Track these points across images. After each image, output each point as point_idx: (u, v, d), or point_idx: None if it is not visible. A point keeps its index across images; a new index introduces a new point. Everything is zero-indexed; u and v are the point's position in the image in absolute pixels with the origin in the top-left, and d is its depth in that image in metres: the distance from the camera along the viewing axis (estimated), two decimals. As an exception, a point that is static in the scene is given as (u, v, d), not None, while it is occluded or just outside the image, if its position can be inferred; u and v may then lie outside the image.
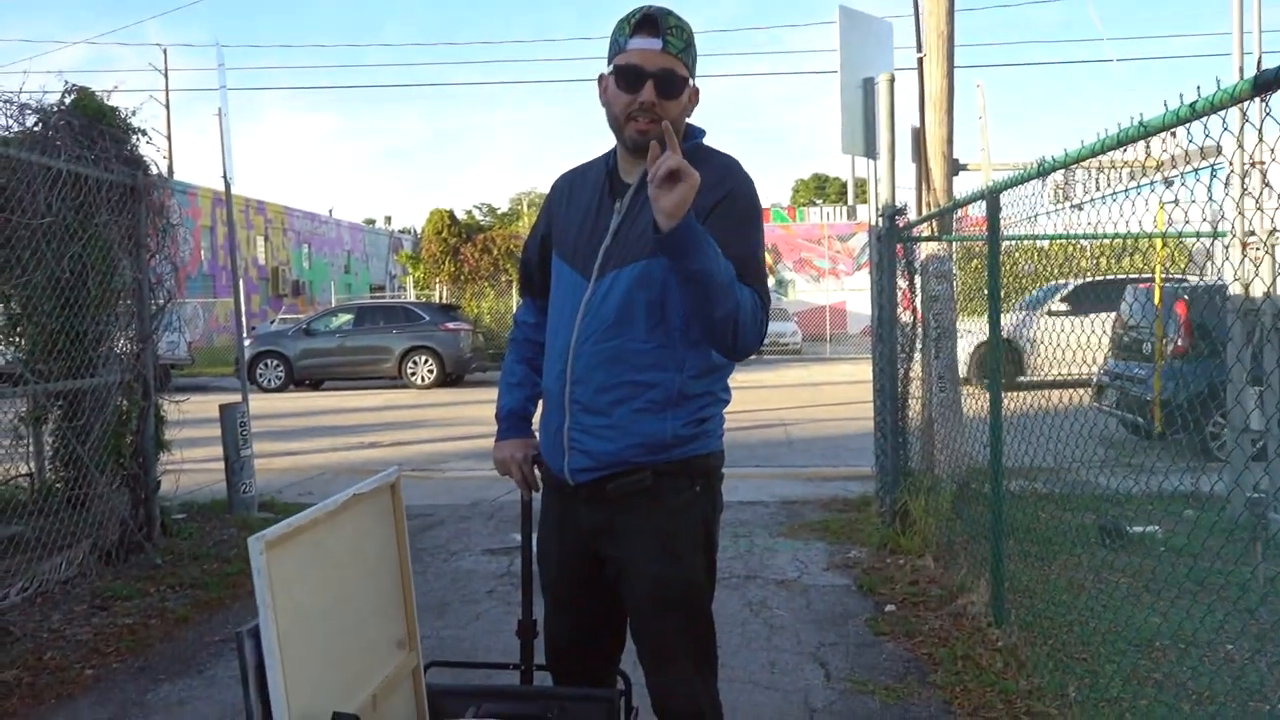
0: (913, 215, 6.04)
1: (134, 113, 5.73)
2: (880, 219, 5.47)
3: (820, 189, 60.37)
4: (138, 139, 5.70)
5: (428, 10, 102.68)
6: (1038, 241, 5.52)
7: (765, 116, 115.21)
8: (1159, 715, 3.14)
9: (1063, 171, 3.85)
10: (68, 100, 5.42)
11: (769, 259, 37.22)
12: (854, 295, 34.42)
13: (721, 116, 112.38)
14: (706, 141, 2.20)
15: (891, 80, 5.76)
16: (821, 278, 36.65)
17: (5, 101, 5.08)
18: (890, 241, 5.44)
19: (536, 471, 2.31)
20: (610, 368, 2.05)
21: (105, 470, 5.34)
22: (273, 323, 27.81)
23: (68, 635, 4.24)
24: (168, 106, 38.16)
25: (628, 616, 2.23)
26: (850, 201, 42.88)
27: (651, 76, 1.97)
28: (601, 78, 2.08)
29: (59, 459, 5.30)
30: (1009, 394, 4.29)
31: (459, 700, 2.38)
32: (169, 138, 39.94)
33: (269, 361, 18.59)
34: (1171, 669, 3.64)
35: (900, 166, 6.67)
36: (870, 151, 6.50)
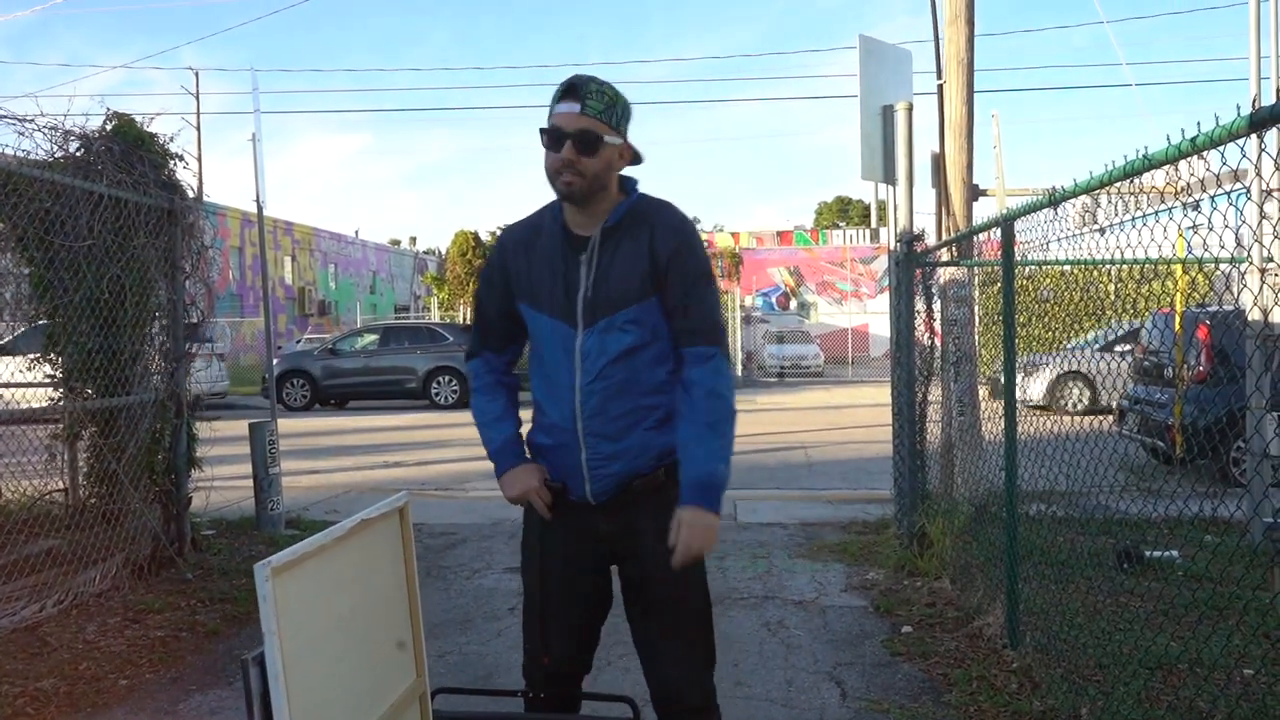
0: (932, 240, 6.12)
1: (171, 139, 5.91)
2: (898, 244, 5.55)
3: (843, 211, 60.43)
4: (175, 164, 5.88)
5: (456, 32, 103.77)
6: (1061, 266, 5.59)
7: (789, 139, 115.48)
8: (1171, 737, 3.18)
9: (1088, 196, 3.92)
10: (109, 127, 5.60)
11: (791, 281, 36.95)
12: (876, 318, 34.39)
13: (746, 140, 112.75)
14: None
15: (910, 109, 5.85)
16: (844, 300, 36.61)
17: (51, 128, 5.27)
18: (908, 266, 5.52)
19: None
20: (620, 399, 2.29)
21: (139, 486, 5.48)
22: (298, 342, 28.11)
23: (102, 646, 4.36)
24: (199, 129, 38.77)
25: (637, 616, 2.39)
26: (873, 224, 42.95)
27: (570, 136, 2.19)
28: (541, 134, 2.30)
29: (93, 475, 5.44)
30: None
31: None
32: (199, 159, 40.59)
33: (295, 381, 18.81)
34: (1186, 692, 3.67)
35: (920, 191, 6.77)
36: (889, 178, 6.59)
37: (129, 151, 5.50)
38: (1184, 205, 3.47)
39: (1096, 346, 15.26)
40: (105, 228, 5.12)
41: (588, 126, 2.20)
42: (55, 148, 5.27)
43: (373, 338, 19.68)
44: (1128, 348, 15.39)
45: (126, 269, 5.33)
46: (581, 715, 2.44)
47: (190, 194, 5.96)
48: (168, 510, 5.73)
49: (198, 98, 34.81)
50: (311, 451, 11.84)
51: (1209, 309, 9.68)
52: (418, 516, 7.39)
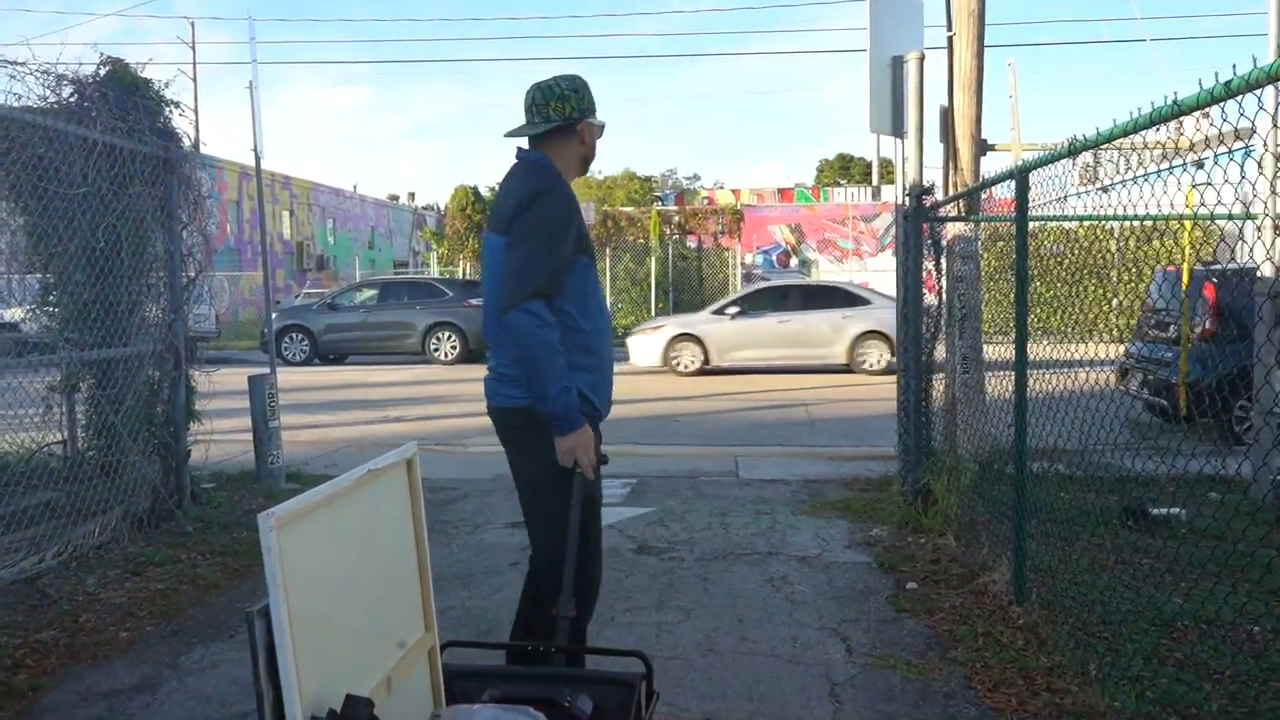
0: (940, 195, 6.02)
1: (167, 85, 5.79)
2: (907, 198, 5.45)
3: (845, 169, 59.97)
4: (170, 111, 5.76)
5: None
6: (1068, 223, 5.50)
7: (790, 95, 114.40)
8: (1179, 693, 3.16)
9: (1091, 154, 3.83)
10: (103, 72, 5.48)
11: (792, 238, 36.65)
12: (877, 276, 34.15)
13: (747, 94, 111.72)
14: None
15: (921, 59, 5.72)
16: (845, 259, 36.41)
17: (43, 72, 5.15)
18: (917, 221, 5.43)
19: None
20: None
21: (137, 438, 5.43)
22: (297, 297, 27.99)
23: (102, 599, 4.33)
24: (195, 80, 38.24)
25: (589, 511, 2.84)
26: (875, 182, 42.60)
27: None
28: (586, 125, 2.83)
29: (91, 428, 5.39)
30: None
31: (475, 681, 2.37)
32: (196, 111, 40.08)
33: (294, 335, 18.73)
34: (1193, 649, 3.65)
35: (927, 146, 6.66)
36: (898, 130, 6.47)
37: (123, 98, 5.38)
38: (1185, 165, 3.38)
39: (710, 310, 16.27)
40: (100, 175, 5.02)
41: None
42: (49, 93, 5.15)
43: (372, 293, 19.57)
44: (736, 310, 16.06)
45: (122, 218, 5.24)
46: (595, 671, 2.48)
47: (187, 143, 5.85)
48: (167, 463, 5.69)
49: (194, 47, 34.32)
50: (311, 406, 11.80)
51: (1215, 266, 9.60)
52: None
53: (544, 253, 2.60)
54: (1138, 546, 5.05)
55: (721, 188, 38.47)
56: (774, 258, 37.95)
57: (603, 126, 2.88)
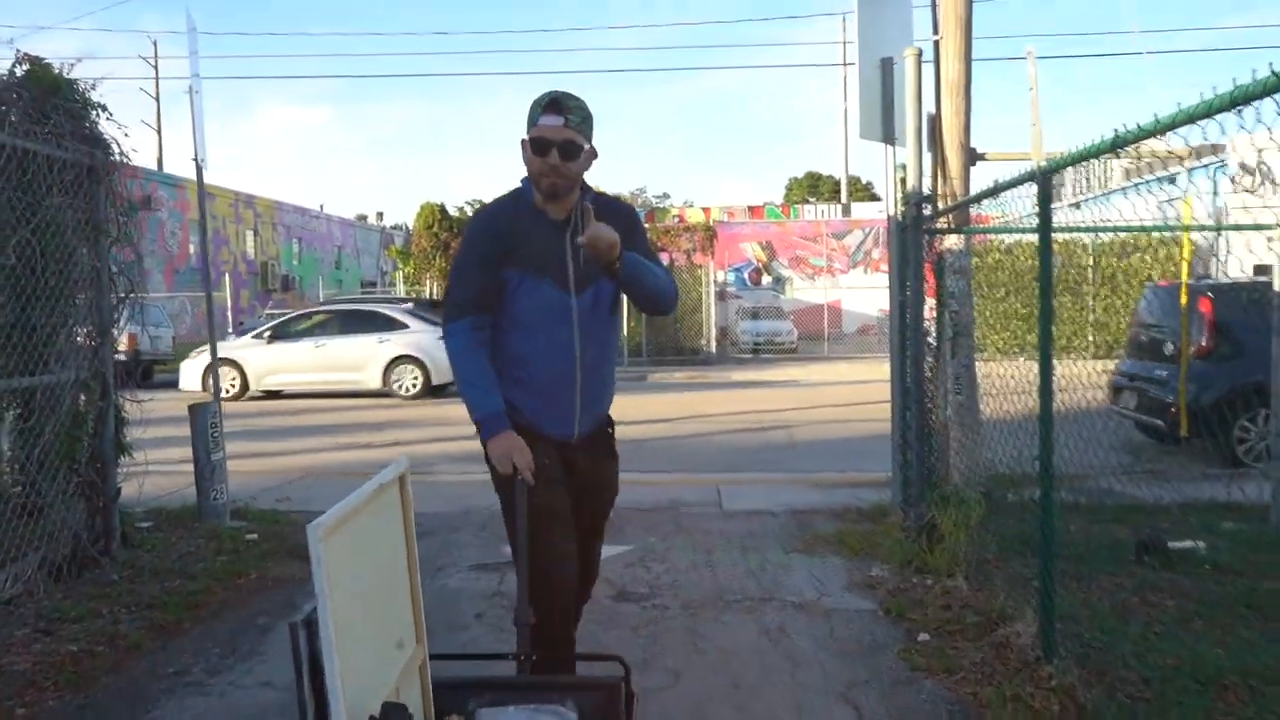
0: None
1: (93, 86, 5.26)
2: (907, 206, 5.01)
3: (813, 187, 59.98)
4: (97, 115, 5.23)
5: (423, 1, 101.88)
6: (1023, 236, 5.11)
7: (759, 112, 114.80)
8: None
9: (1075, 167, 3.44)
10: (19, 71, 4.95)
11: (763, 255, 36.72)
12: (849, 293, 34.01)
13: (716, 112, 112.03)
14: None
15: (919, 56, 5.30)
16: (817, 275, 36.17)
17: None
18: (916, 232, 4.99)
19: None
20: (606, 355, 2.88)
21: (57, 477, 4.88)
22: (260, 319, 27.23)
23: (3, 665, 3.77)
24: (158, 99, 37.61)
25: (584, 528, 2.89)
26: (844, 199, 42.47)
27: (555, 145, 2.67)
28: (523, 143, 2.73)
29: (7, 464, 4.83)
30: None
31: (461, 693, 2.38)
32: (159, 130, 39.37)
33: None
34: (1245, 713, 3.22)
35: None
36: (889, 136, 6.07)
37: (40, 99, 4.85)
38: (1164, 179, 2.99)
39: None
40: (9, 184, 4.48)
41: (570, 137, 2.67)
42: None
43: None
44: (271, 334, 16.00)
45: (38, 232, 4.70)
46: (576, 677, 2.64)
47: (116, 150, 5.31)
48: (92, 503, 5.13)
49: (156, 66, 33.66)
50: (263, 433, 11.21)
51: (1210, 280, 9.27)
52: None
53: (452, 272, 2.86)
54: (1160, 585, 4.63)
55: (691, 205, 38.16)
56: (746, 275, 37.68)
57: (532, 141, 2.70)
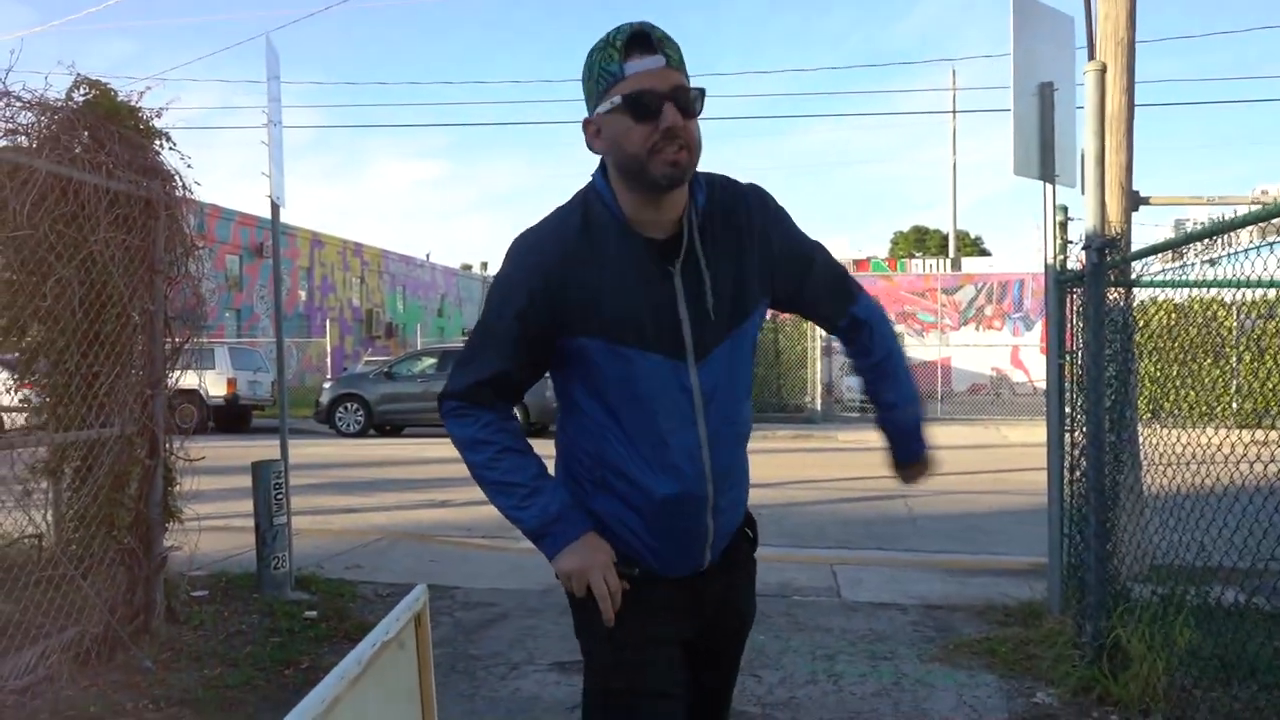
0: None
1: (159, 114, 4.81)
2: (1088, 251, 4.15)
3: (920, 241, 58.64)
4: (160, 145, 4.78)
5: (529, 52, 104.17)
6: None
7: (864, 167, 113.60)
8: None
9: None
10: (77, 95, 4.52)
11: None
12: (960, 351, 32.63)
13: (819, 167, 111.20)
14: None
15: (1101, 71, 4.46)
16: (926, 332, 34.89)
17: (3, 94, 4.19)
18: (1097, 282, 4.12)
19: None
20: (739, 447, 1.90)
21: (93, 544, 4.34)
22: (361, 365, 27.41)
23: (-9, 781, 3.17)
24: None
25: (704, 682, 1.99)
26: (953, 253, 41.07)
27: (668, 97, 1.67)
28: (589, 124, 1.77)
29: (32, 530, 4.31)
30: None
31: None
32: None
33: (348, 405, 17.87)
34: None
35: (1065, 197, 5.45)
36: (1047, 173, 5.24)
37: (97, 126, 4.40)
38: None
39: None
40: (46, 216, 4.00)
41: (680, 81, 1.70)
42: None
43: (431, 361, 18.65)
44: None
45: (81, 270, 4.20)
46: None
47: (180, 183, 4.84)
48: (133, 574, 4.57)
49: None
50: (352, 485, 10.75)
51: None
52: (453, 576, 6.14)
53: (473, 331, 1.90)
54: None
55: (796, 258, 37.36)
56: (852, 330, 36.63)
57: (630, 100, 1.67)
